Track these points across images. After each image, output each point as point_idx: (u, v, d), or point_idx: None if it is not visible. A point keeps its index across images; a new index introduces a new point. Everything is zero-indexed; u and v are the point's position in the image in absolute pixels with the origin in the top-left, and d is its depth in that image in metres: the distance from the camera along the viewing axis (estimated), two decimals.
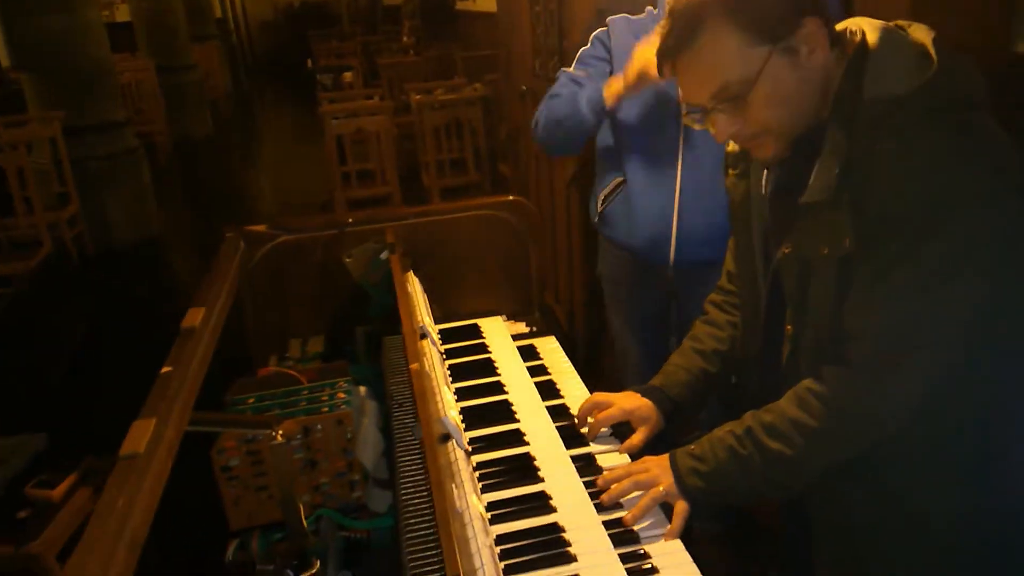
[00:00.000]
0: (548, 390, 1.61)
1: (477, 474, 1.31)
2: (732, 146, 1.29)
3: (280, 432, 1.25)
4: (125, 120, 5.63)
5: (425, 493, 1.21)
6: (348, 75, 7.07)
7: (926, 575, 1.14)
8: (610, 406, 1.41)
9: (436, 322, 1.74)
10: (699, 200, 1.82)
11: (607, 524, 1.20)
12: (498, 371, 1.68)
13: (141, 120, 7.86)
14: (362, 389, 1.52)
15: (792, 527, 1.43)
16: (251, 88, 14.21)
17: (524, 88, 3.59)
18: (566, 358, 1.76)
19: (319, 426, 1.34)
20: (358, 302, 1.95)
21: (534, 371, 1.69)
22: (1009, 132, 1.00)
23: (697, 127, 1.15)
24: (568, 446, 1.41)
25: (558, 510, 1.23)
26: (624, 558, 1.14)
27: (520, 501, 1.26)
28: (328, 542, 1.31)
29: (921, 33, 1.03)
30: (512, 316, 2.00)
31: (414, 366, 1.28)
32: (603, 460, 1.37)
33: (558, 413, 1.52)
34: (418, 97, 5.23)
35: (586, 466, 1.36)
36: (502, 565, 1.11)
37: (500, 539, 1.16)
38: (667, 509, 1.23)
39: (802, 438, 1.09)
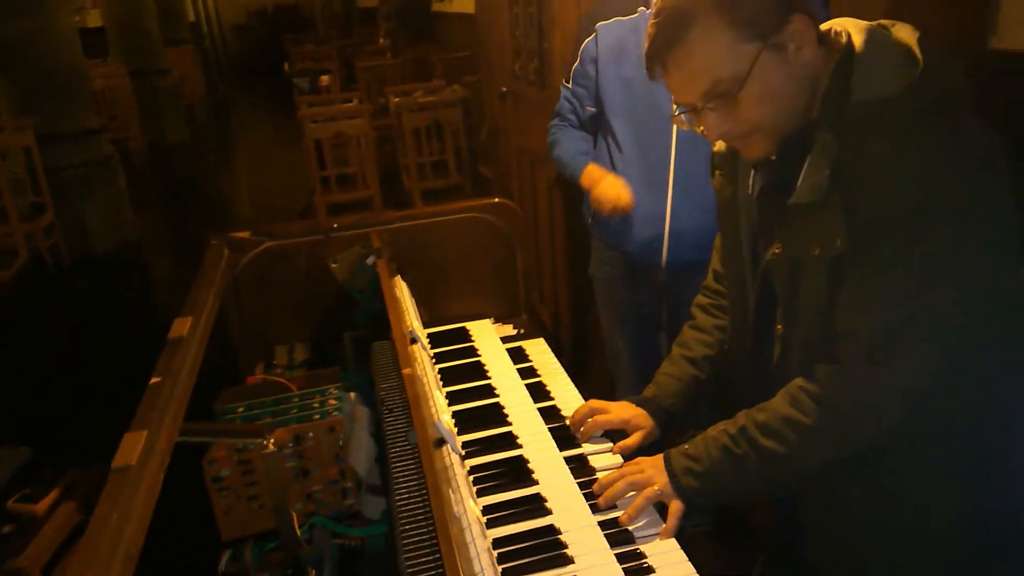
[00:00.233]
0: (539, 392, 1.61)
1: (472, 478, 1.31)
2: (719, 146, 1.30)
3: (272, 441, 1.25)
4: (99, 127, 5.56)
5: (420, 499, 1.21)
6: (325, 78, 7.03)
7: (927, 574, 1.15)
8: (606, 412, 1.43)
9: (424, 326, 1.73)
10: (691, 202, 1.85)
11: (603, 525, 1.21)
12: (488, 374, 1.68)
13: (115, 126, 7.76)
14: (353, 395, 1.51)
15: (784, 525, 1.44)
16: (226, 92, 14.08)
17: (504, 90, 3.59)
18: (555, 359, 1.77)
19: (311, 434, 1.34)
20: (344, 308, 1.94)
21: (524, 373, 1.69)
22: (988, 128, 1.01)
23: (687, 127, 1.15)
24: (561, 448, 1.41)
25: (554, 512, 1.24)
26: (621, 558, 1.14)
27: (516, 504, 1.26)
28: (322, 550, 1.30)
29: (905, 33, 1.04)
30: (500, 318, 2.00)
31: (407, 371, 1.27)
32: (596, 461, 1.38)
33: (550, 415, 1.52)
34: (397, 100, 5.21)
35: (580, 467, 1.36)
36: (501, 568, 1.11)
37: (497, 543, 1.16)
38: (661, 509, 1.24)
39: (796, 436, 1.10)
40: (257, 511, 1.34)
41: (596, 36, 2.00)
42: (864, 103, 0.99)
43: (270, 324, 1.97)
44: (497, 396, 1.59)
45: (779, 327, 1.16)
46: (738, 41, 1.01)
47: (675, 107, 1.13)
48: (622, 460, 1.38)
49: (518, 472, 1.34)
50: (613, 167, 1.97)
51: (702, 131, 1.11)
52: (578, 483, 1.31)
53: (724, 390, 1.49)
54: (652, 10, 1.09)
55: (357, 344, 1.83)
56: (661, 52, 1.06)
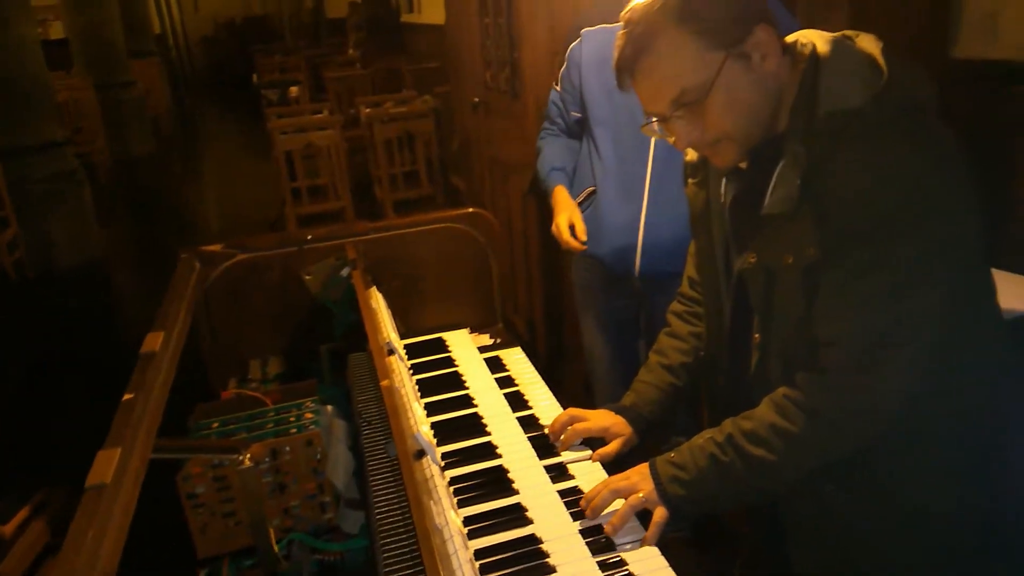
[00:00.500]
0: (517, 401, 1.61)
1: (452, 489, 1.30)
2: (691, 155, 1.31)
3: (248, 456, 1.23)
4: (64, 140, 5.46)
5: (400, 512, 1.20)
6: (295, 89, 6.99)
7: (924, 573, 1.16)
8: (585, 421, 1.43)
9: (400, 337, 1.72)
10: (665, 214, 1.87)
11: (584, 532, 1.21)
12: (466, 384, 1.68)
13: (80, 139, 7.63)
14: (329, 408, 1.50)
15: (762, 529, 1.45)
16: (193, 104, 13.94)
17: (476, 100, 3.59)
18: (532, 368, 1.77)
19: (288, 448, 1.32)
20: (318, 320, 1.92)
21: (502, 382, 1.69)
22: (953, 134, 1.04)
23: (657, 136, 1.17)
24: (541, 456, 1.41)
25: (535, 521, 1.23)
26: (602, 566, 1.14)
27: (497, 514, 1.25)
28: (301, 566, 1.28)
29: (869, 43, 1.06)
30: (476, 328, 2.00)
31: (385, 383, 1.26)
32: (576, 469, 1.38)
33: (528, 423, 1.52)
34: (368, 110, 5.20)
35: (559, 475, 1.36)
36: None
37: (479, 553, 1.16)
38: (643, 517, 1.24)
39: (783, 444, 1.10)
40: (233, 528, 1.31)
41: (581, 41, 2.03)
42: (831, 113, 1.02)
43: (243, 338, 1.95)
44: (476, 406, 1.59)
45: (756, 336, 1.17)
46: (703, 51, 1.04)
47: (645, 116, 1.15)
48: (601, 468, 1.39)
49: (498, 482, 1.34)
50: (593, 175, 1.99)
51: (673, 140, 1.13)
52: (558, 491, 1.31)
53: (701, 397, 1.50)
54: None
55: (333, 356, 1.82)
56: (629, 62, 1.09)
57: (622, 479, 1.25)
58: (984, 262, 1.10)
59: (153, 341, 1.33)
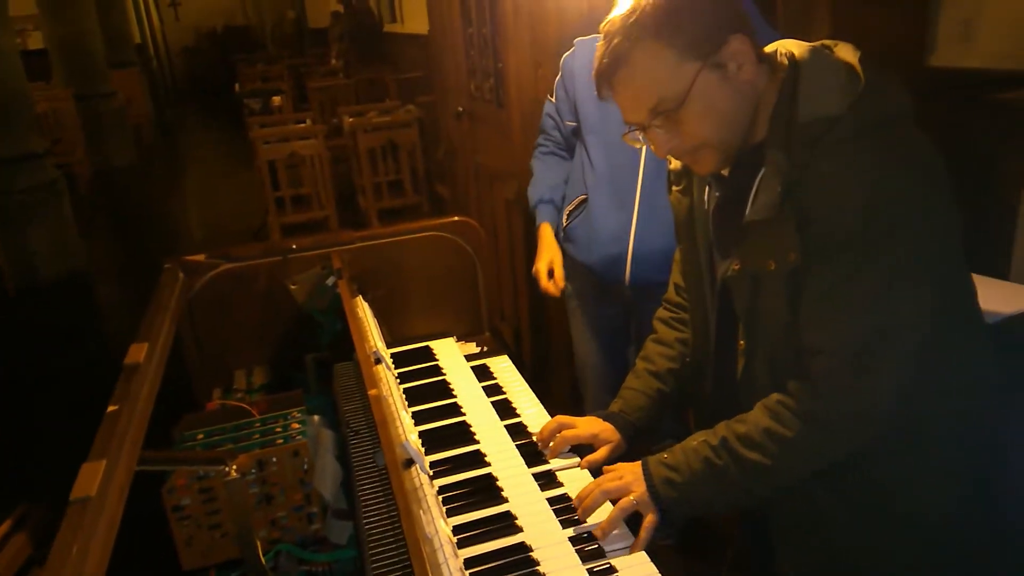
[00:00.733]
0: (505, 409, 1.61)
1: (441, 498, 1.30)
2: (675, 163, 1.33)
3: (234, 467, 1.22)
4: (43, 151, 5.41)
5: (389, 521, 1.19)
6: (277, 99, 6.96)
7: (922, 574, 1.17)
8: (573, 428, 1.43)
9: (387, 346, 1.72)
10: (656, 223, 1.88)
11: (573, 540, 1.21)
12: (454, 393, 1.67)
13: (60, 150, 7.56)
14: (316, 418, 1.49)
15: (749, 534, 1.46)
16: (174, 114, 13.85)
17: (460, 109, 3.60)
18: (519, 376, 1.77)
19: (274, 459, 1.31)
20: (303, 329, 1.91)
21: (489, 391, 1.69)
22: (930, 140, 1.05)
23: (637, 145, 1.19)
24: (529, 464, 1.41)
25: (524, 529, 1.23)
26: (592, 573, 1.14)
27: (486, 523, 1.25)
28: None
29: (847, 52, 1.08)
30: (463, 336, 1.99)
31: (373, 392, 1.26)
32: (564, 476, 1.38)
33: (516, 431, 1.52)
34: (351, 120, 5.19)
35: (548, 483, 1.36)
36: None
37: (469, 562, 1.15)
38: (632, 524, 1.24)
39: (778, 448, 1.11)
40: (220, 540, 1.30)
41: (574, 51, 2.04)
42: (810, 121, 1.03)
43: (228, 348, 1.93)
44: (463, 414, 1.58)
45: (742, 342, 1.18)
46: (679, 61, 1.06)
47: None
48: (590, 475, 1.39)
49: (487, 490, 1.33)
50: (585, 183, 2.01)
51: (654, 148, 1.15)
52: (547, 499, 1.31)
53: (687, 402, 1.50)
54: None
55: (318, 366, 1.81)
56: (608, 74, 1.12)
57: (614, 478, 1.25)
58: (964, 266, 1.12)
59: (137, 352, 1.32)
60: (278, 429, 1.40)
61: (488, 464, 1.41)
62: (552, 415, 1.54)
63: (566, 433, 1.42)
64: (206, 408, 1.59)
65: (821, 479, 1.14)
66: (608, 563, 1.16)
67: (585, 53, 2.00)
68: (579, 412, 1.54)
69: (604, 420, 1.44)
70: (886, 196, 0.98)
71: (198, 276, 1.88)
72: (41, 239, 5.21)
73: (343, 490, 1.40)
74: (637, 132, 1.15)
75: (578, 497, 1.26)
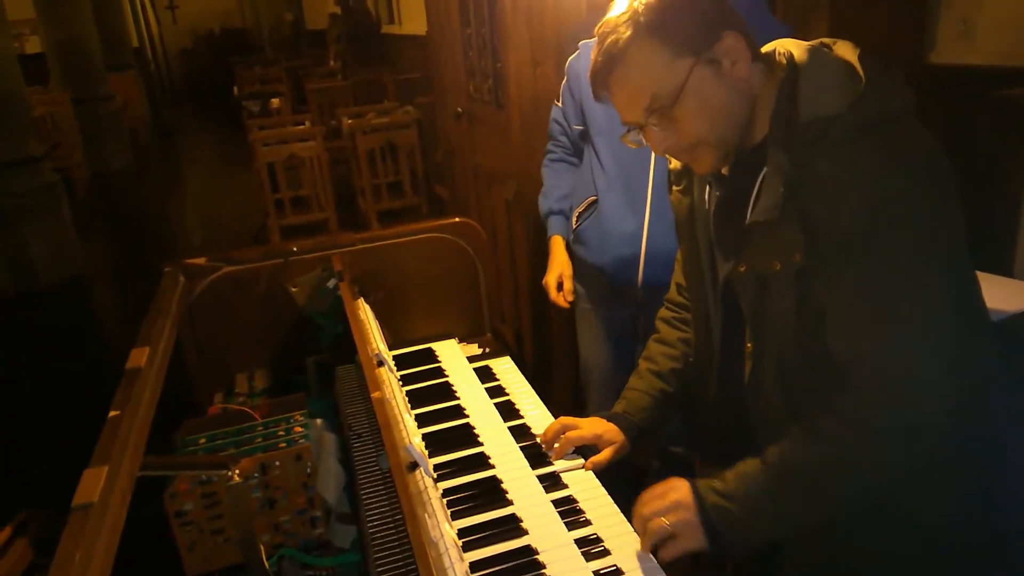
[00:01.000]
0: (508, 411, 1.60)
1: (446, 501, 1.29)
2: (674, 163, 1.32)
3: (237, 471, 1.21)
4: (41, 155, 5.40)
5: (393, 525, 1.19)
6: (276, 101, 6.95)
7: (919, 571, 1.16)
8: (578, 429, 1.42)
9: (389, 348, 1.71)
10: (668, 224, 1.85)
11: (579, 542, 1.20)
12: (457, 395, 1.67)
13: (58, 154, 7.55)
14: (319, 422, 1.48)
15: None
16: (172, 117, 13.83)
17: (459, 110, 3.59)
18: (522, 377, 1.76)
19: (277, 463, 1.30)
20: (305, 332, 1.91)
21: (492, 392, 1.68)
22: (933, 137, 1.05)
23: (635, 146, 1.19)
24: (533, 466, 1.40)
25: (530, 532, 1.22)
26: (599, 575, 1.13)
27: (491, 526, 1.24)
28: None
29: (846, 50, 1.08)
30: (464, 338, 1.99)
31: (376, 395, 1.25)
32: (569, 478, 1.37)
33: (520, 433, 1.51)
34: (350, 121, 5.18)
35: (553, 485, 1.35)
36: None
37: (474, 566, 1.15)
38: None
39: (834, 465, 1.05)
40: (223, 545, 1.30)
41: (579, 54, 2.04)
42: (811, 121, 1.03)
43: (229, 352, 1.93)
44: (467, 416, 1.58)
45: (748, 345, 1.17)
46: (672, 58, 1.06)
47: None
48: (594, 476, 1.38)
49: (492, 493, 1.33)
50: (594, 184, 2.00)
51: (652, 147, 1.15)
52: (552, 501, 1.30)
53: (690, 404, 1.49)
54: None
55: (320, 369, 1.80)
56: (603, 75, 1.12)
57: (659, 498, 1.14)
58: (969, 264, 1.11)
59: (138, 357, 1.31)
60: (280, 433, 1.39)
61: (492, 467, 1.40)
62: (554, 416, 1.54)
63: (570, 434, 1.42)
64: (207, 412, 1.58)
65: None
66: (614, 565, 1.16)
67: (588, 56, 2.00)
68: (581, 413, 1.53)
69: (608, 421, 1.43)
70: (892, 196, 0.97)
71: (198, 279, 1.87)
72: (39, 243, 5.20)
73: (346, 494, 1.39)
74: (635, 133, 1.16)
75: (640, 516, 1.16)
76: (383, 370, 1.44)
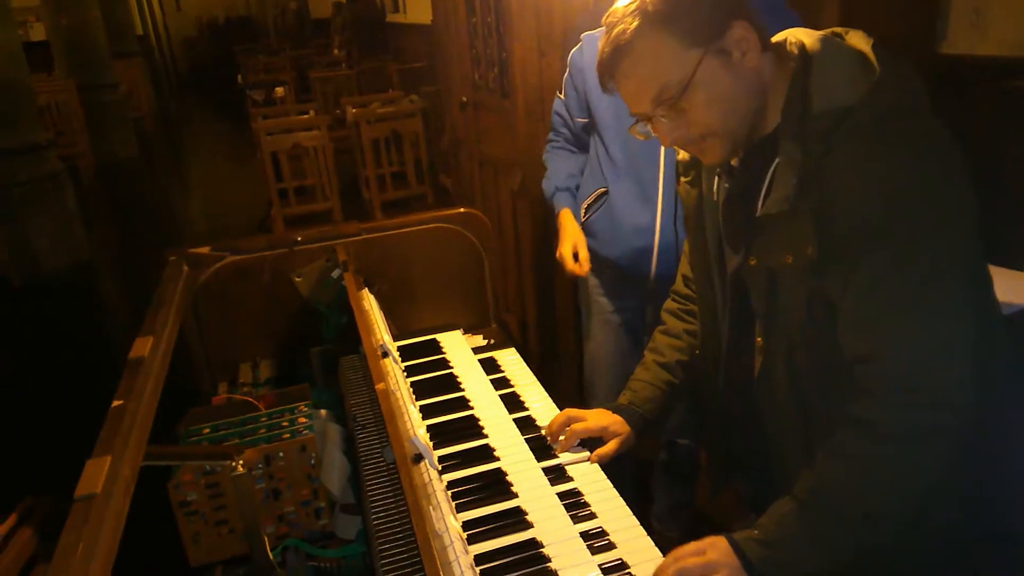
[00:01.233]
0: (513, 402, 1.59)
1: (450, 493, 1.28)
2: (683, 154, 1.31)
3: (241, 462, 1.21)
4: (46, 142, 5.39)
5: (398, 517, 1.18)
6: (280, 90, 6.93)
7: (920, 571, 1.15)
8: (583, 420, 1.41)
9: (393, 339, 1.70)
10: (680, 214, 1.85)
11: (584, 535, 1.19)
12: (461, 386, 1.66)
13: (63, 142, 7.54)
14: (323, 413, 1.48)
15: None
16: (177, 106, 13.82)
17: (464, 99, 3.57)
18: (527, 369, 1.75)
19: (281, 453, 1.30)
20: (309, 323, 1.90)
21: (497, 384, 1.67)
22: (945, 128, 1.03)
23: (643, 137, 1.17)
24: (539, 458, 1.39)
25: (535, 525, 1.22)
26: (604, 569, 1.13)
27: (496, 518, 1.23)
28: (296, 573, 1.26)
29: (859, 40, 1.06)
30: (469, 329, 1.98)
31: (380, 386, 1.24)
32: (574, 471, 1.36)
33: (525, 425, 1.50)
34: (354, 111, 5.16)
35: (558, 477, 1.35)
36: None
37: (479, 559, 1.14)
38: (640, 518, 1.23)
39: (866, 482, 1.02)
40: (227, 535, 1.29)
41: (581, 46, 2.01)
42: (824, 112, 1.01)
43: (233, 341, 1.92)
44: (472, 408, 1.57)
45: (759, 339, 1.15)
46: (681, 49, 1.05)
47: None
48: (600, 469, 1.37)
49: (497, 485, 1.32)
50: (604, 176, 1.98)
51: (660, 138, 1.14)
52: (557, 494, 1.29)
53: (697, 395, 1.48)
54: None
55: (324, 359, 1.79)
56: (610, 65, 1.10)
57: (695, 554, 1.09)
58: (981, 257, 1.09)
59: (142, 346, 1.30)
60: (285, 423, 1.38)
61: (497, 459, 1.39)
62: (559, 407, 1.53)
63: (575, 427, 1.41)
64: (211, 402, 1.58)
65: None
66: (620, 559, 1.15)
67: (593, 48, 1.96)
68: (585, 405, 1.52)
69: (613, 413, 1.42)
70: (907, 188, 0.96)
71: (202, 269, 1.86)
72: (44, 232, 5.19)
73: (351, 485, 1.39)
74: (643, 124, 1.14)
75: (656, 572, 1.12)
76: (387, 361, 1.43)
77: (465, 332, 1.95)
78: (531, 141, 2.83)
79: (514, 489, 1.30)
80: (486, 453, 1.41)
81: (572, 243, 2.03)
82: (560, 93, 2.14)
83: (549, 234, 2.27)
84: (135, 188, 8.11)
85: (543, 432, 1.47)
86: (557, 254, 2.06)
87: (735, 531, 1.09)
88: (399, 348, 1.79)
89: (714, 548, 1.08)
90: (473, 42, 3.42)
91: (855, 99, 1.00)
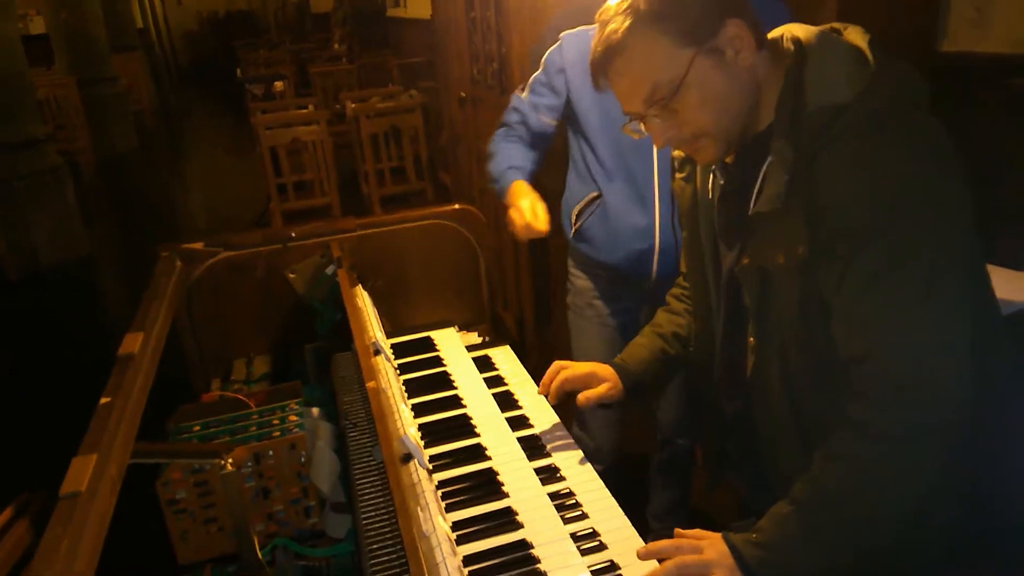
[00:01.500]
0: (506, 401, 1.58)
1: (440, 493, 1.28)
2: (678, 151, 1.30)
3: (230, 460, 1.20)
4: (45, 137, 5.38)
5: (387, 516, 1.17)
6: (280, 84, 6.91)
7: (920, 571, 1.14)
8: (571, 368, 1.43)
9: (387, 336, 1.69)
10: (677, 216, 1.80)
11: (575, 537, 1.18)
12: (454, 384, 1.65)
13: (62, 136, 7.53)
14: (315, 411, 1.47)
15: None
16: (177, 100, 13.80)
17: (463, 95, 3.56)
18: (521, 367, 1.74)
19: (271, 452, 1.29)
20: (304, 319, 1.89)
21: (491, 382, 1.66)
22: (943, 126, 1.01)
23: (636, 136, 1.16)
24: (531, 458, 1.38)
25: (525, 525, 1.21)
26: (594, 571, 1.12)
27: (486, 519, 1.22)
28: (285, 572, 1.25)
29: (856, 36, 1.04)
30: (464, 326, 1.97)
31: (371, 384, 1.23)
32: (566, 470, 1.35)
33: (518, 423, 1.50)
34: (354, 105, 5.15)
35: (549, 477, 1.33)
36: None
37: (468, 559, 1.13)
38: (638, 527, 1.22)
39: (863, 483, 1.01)
40: (216, 534, 1.28)
41: (561, 46, 1.91)
42: (818, 109, 1.00)
43: (227, 337, 1.91)
44: (464, 407, 1.56)
45: (751, 339, 1.14)
46: (674, 48, 1.03)
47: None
48: (592, 469, 1.36)
49: (487, 485, 1.31)
50: (594, 182, 1.90)
51: (652, 137, 1.13)
52: (548, 494, 1.28)
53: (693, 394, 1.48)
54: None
55: (318, 356, 1.78)
56: (603, 63, 1.09)
57: (692, 550, 1.07)
58: (980, 256, 1.08)
59: (132, 343, 1.29)
60: (275, 421, 1.38)
61: (489, 458, 1.39)
62: (553, 409, 1.52)
63: (565, 373, 1.42)
64: (202, 399, 1.57)
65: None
66: (611, 560, 1.14)
67: (574, 48, 1.87)
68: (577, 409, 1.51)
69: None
70: (901, 188, 0.94)
71: (197, 264, 1.85)
72: (43, 226, 5.19)
73: (342, 483, 1.38)
74: (636, 122, 1.13)
75: (648, 551, 1.11)
76: (379, 359, 1.42)
77: (460, 329, 1.94)
78: None
79: (505, 489, 1.30)
80: (478, 452, 1.40)
81: (531, 201, 1.75)
82: (522, 91, 1.98)
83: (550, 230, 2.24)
84: (135, 182, 8.10)
85: (536, 431, 1.46)
86: (513, 213, 1.76)
87: (732, 531, 1.08)
88: (392, 345, 1.78)
89: (712, 547, 1.07)
90: (471, 37, 3.41)
91: (850, 96, 0.98)
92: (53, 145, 5.53)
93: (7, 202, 4.99)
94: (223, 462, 1.19)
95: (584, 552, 1.15)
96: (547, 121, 1.95)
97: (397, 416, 1.25)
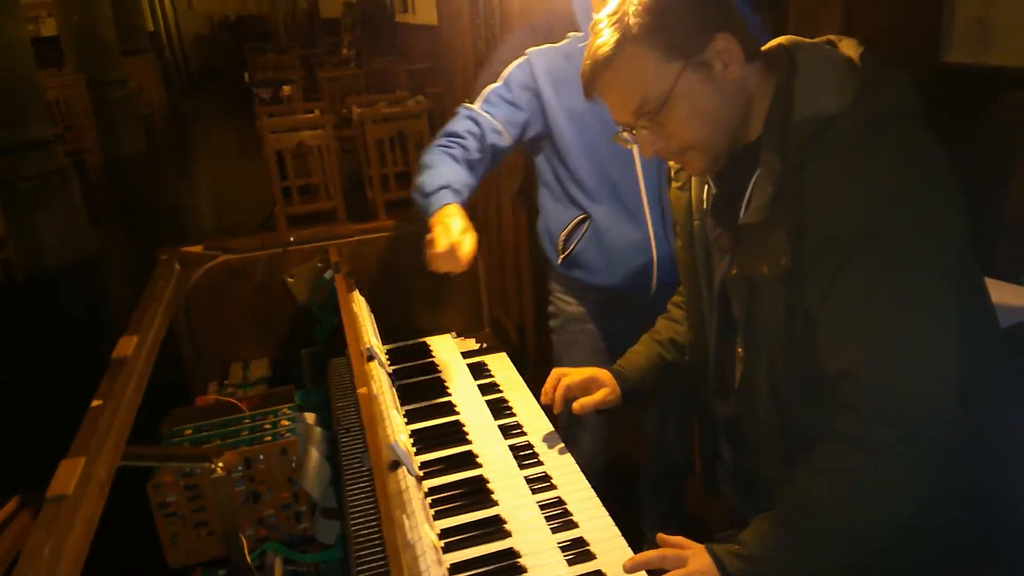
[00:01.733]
0: (500, 408, 1.58)
1: (429, 500, 1.27)
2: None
3: (220, 464, 1.20)
4: (53, 138, 5.41)
5: (376, 523, 1.17)
6: (287, 88, 6.94)
7: (920, 571, 1.13)
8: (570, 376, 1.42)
9: (384, 342, 1.69)
10: (669, 226, 1.77)
11: (563, 545, 1.18)
12: (448, 391, 1.65)
13: (71, 137, 7.58)
14: (309, 416, 1.47)
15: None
16: (186, 103, 13.87)
17: (468, 101, 3.56)
18: (517, 374, 1.74)
19: (261, 456, 1.29)
20: (302, 323, 1.89)
21: (485, 389, 1.66)
22: (940, 138, 1.01)
23: (628, 146, 1.17)
24: (521, 466, 1.38)
25: (513, 534, 1.21)
26: None
27: (474, 527, 1.22)
28: None
29: (849, 47, 1.04)
30: (462, 333, 1.97)
31: (362, 390, 1.23)
32: (558, 479, 1.35)
33: (510, 431, 1.49)
34: (359, 110, 5.16)
35: (540, 486, 1.33)
36: None
37: (455, 568, 1.13)
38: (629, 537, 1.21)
39: (849, 496, 1.01)
40: (206, 537, 1.29)
41: (529, 62, 1.81)
42: (806, 120, 1.00)
43: (225, 341, 1.91)
44: (457, 413, 1.56)
45: (739, 350, 1.14)
46: (662, 62, 1.04)
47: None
48: (583, 476, 1.36)
49: (477, 493, 1.31)
50: (578, 206, 1.83)
51: (641, 149, 1.13)
52: (538, 504, 1.28)
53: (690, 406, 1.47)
54: (584, 34, 1.10)
55: (315, 361, 1.79)
56: (592, 76, 1.10)
57: (677, 560, 1.08)
58: (976, 267, 1.07)
59: (126, 346, 1.30)
60: (267, 426, 1.38)
61: (480, 465, 1.38)
62: (547, 415, 1.52)
63: (565, 380, 1.41)
64: (196, 402, 1.57)
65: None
66: (598, 569, 1.14)
67: (543, 65, 1.78)
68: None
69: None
70: (888, 200, 0.94)
71: (195, 267, 1.86)
72: (50, 226, 5.22)
73: (333, 489, 1.38)
74: (625, 133, 1.13)
75: (635, 562, 1.11)
76: (372, 364, 1.42)
77: (457, 336, 1.94)
78: None
79: (495, 496, 1.29)
80: (468, 459, 1.40)
81: (463, 230, 1.57)
82: (475, 104, 1.83)
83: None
84: (143, 185, 8.14)
85: (528, 439, 1.45)
86: (430, 236, 1.58)
87: (716, 541, 1.08)
88: (388, 351, 1.78)
89: (696, 558, 1.07)
90: (476, 44, 3.42)
91: (839, 108, 0.98)
92: (61, 146, 5.57)
93: (15, 203, 5.02)
94: (213, 466, 1.19)
95: (572, 562, 1.15)
96: (504, 135, 1.80)
97: (387, 423, 1.25)
